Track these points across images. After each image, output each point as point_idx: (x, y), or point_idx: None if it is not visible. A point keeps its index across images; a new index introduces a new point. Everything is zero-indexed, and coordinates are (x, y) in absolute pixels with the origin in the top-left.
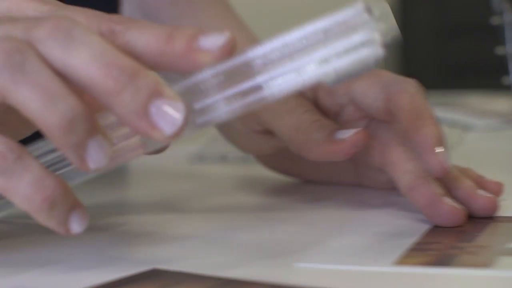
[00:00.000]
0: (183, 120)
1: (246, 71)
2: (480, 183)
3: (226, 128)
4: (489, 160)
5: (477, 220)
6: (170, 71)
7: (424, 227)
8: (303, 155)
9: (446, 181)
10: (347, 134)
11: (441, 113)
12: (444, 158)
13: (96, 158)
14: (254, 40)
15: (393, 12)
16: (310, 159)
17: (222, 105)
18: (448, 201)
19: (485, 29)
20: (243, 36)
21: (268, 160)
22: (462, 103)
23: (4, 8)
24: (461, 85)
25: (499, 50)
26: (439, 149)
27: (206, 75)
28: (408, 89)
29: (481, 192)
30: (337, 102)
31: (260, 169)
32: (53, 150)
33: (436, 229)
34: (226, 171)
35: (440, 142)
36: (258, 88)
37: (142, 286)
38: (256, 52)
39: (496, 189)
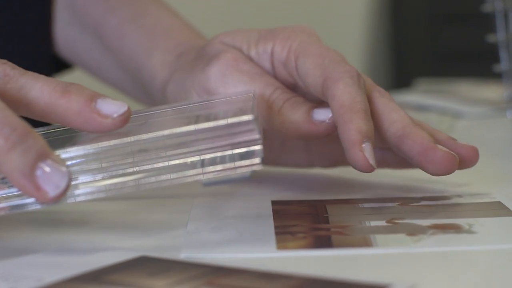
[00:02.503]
0: (66, 185)
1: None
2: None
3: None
4: (480, 148)
5: (307, 202)
6: (62, 124)
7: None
8: (282, 136)
9: (400, 135)
10: (324, 114)
11: (432, 100)
12: (368, 154)
13: None
14: (188, 27)
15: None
16: (288, 139)
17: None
18: (442, 147)
19: (476, 17)
20: (179, 22)
21: None
22: (453, 91)
23: None
24: (452, 72)
25: (490, 38)
26: (364, 145)
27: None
28: (344, 78)
29: (439, 147)
30: (293, 74)
31: None
32: None
33: (279, 213)
34: None
35: (367, 137)
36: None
37: (131, 273)
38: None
39: (469, 154)
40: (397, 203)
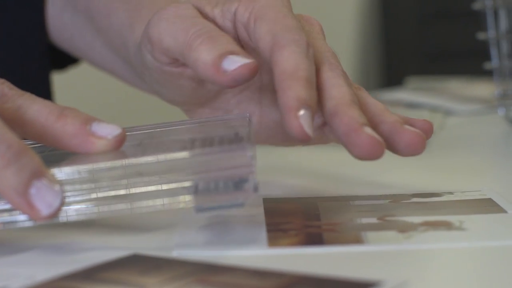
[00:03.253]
0: (59, 204)
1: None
2: (407, 121)
3: (144, 77)
4: (470, 145)
5: (298, 200)
6: (57, 147)
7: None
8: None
9: (370, 116)
10: (234, 64)
11: (423, 98)
12: (305, 121)
13: None
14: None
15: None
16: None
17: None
18: (369, 130)
19: (467, 15)
20: None
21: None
22: (444, 89)
23: None
24: (443, 71)
25: (481, 36)
26: (301, 112)
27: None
28: (291, 46)
29: (407, 126)
30: (253, 36)
31: None
32: None
33: (270, 211)
34: None
35: (306, 105)
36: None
37: (122, 271)
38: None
39: (425, 127)
40: (388, 200)
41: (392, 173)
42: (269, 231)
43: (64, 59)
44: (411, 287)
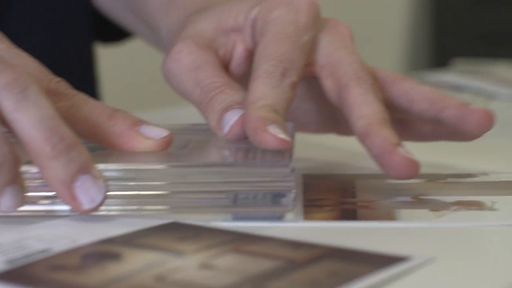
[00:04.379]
0: (101, 200)
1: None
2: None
3: None
4: (510, 129)
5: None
6: (105, 146)
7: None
8: None
9: (434, 103)
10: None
11: (467, 81)
12: (275, 131)
13: (8, 203)
14: None
15: None
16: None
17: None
18: (402, 151)
19: None
20: None
21: None
22: (490, 72)
23: None
24: (493, 54)
25: None
26: (269, 127)
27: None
28: (263, 76)
29: (472, 106)
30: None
31: None
32: None
33: (309, 187)
34: None
35: (270, 121)
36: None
37: (162, 237)
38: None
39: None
40: (424, 180)
41: (431, 153)
42: (305, 206)
43: (117, 32)
44: (439, 264)
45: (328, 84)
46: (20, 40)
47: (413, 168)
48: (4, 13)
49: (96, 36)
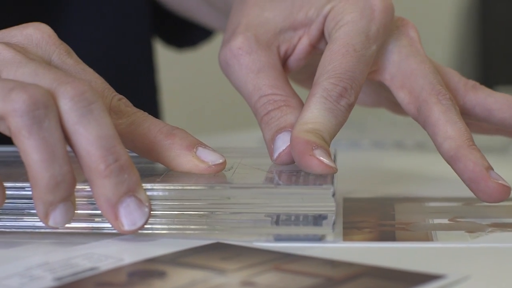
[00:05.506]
0: (142, 224)
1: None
2: None
3: None
4: None
5: (376, 200)
6: (160, 163)
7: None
8: None
9: (509, 115)
10: (283, 145)
11: None
12: (322, 156)
13: (58, 219)
14: None
15: (472, 8)
16: None
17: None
18: (495, 175)
19: None
20: None
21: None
22: None
23: (35, 40)
24: None
25: None
26: (316, 151)
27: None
28: (321, 91)
29: None
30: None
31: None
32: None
33: (349, 209)
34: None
35: (316, 146)
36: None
37: (205, 257)
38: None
39: None
40: (462, 203)
41: None
42: (345, 228)
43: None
44: (474, 282)
45: (402, 96)
46: (80, 45)
47: (505, 193)
48: (65, 19)
49: (160, 36)
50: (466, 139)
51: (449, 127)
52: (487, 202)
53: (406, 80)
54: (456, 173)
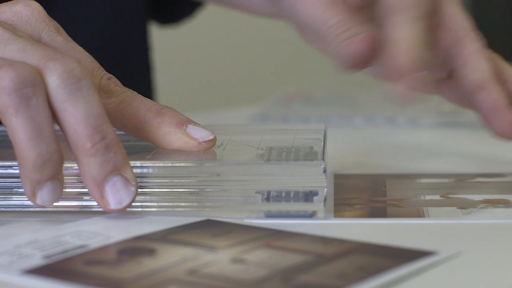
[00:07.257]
0: (129, 203)
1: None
2: None
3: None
4: None
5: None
6: (149, 142)
7: None
8: None
9: None
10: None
11: None
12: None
13: (45, 198)
14: None
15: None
16: None
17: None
18: None
19: None
20: None
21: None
22: None
23: (24, 17)
24: None
25: None
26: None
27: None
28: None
29: None
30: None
31: None
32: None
33: (340, 186)
34: None
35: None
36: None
37: (195, 233)
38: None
39: None
40: (453, 179)
41: (461, 153)
42: (336, 204)
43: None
44: (465, 258)
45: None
46: (74, 24)
47: None
48: None
49: (154, 17)
50: (493, 74)
51: (482, 63)
52: (498, 135)
53: (445, 21)
54: (476, 103)
